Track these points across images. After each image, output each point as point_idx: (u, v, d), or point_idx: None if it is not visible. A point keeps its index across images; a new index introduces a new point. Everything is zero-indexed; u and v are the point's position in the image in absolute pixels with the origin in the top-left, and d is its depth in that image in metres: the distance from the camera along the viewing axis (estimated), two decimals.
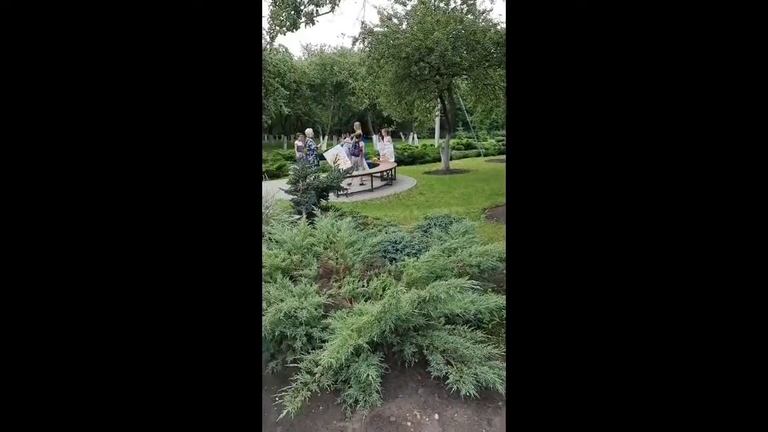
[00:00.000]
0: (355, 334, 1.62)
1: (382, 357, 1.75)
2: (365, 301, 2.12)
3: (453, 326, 1.90)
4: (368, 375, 1.52)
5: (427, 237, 3.11)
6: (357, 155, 8.91)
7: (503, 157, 13.97)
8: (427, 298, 1.67)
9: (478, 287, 1.83)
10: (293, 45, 56.12)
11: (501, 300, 1.89)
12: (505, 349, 1.74)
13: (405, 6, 9.33)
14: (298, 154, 9.19)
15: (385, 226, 3.98)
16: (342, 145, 9.48)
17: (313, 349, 1.81)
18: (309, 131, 9.17)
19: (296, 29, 4.99)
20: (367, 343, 1.62)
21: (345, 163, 8.56)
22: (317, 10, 5.09)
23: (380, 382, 1.60)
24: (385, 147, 9.96)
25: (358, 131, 9.33)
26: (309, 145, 8.57)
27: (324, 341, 1.79)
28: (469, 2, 9.09)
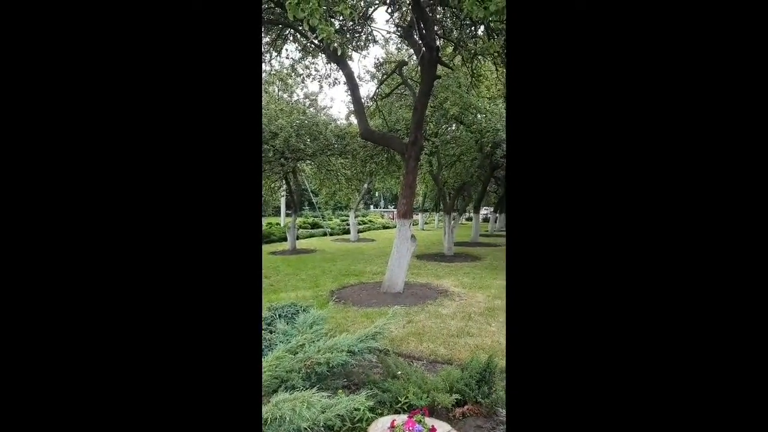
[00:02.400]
0: None
1: None
2: None
3: None
4: None
5: (271, 332, 2.81)
6: None
7: (348, 236, 14.73)
8: (269, 420, 1.41)
9: (328, 394, 1.68)
10: None
11: (353, 401, 1.76)
12: None
13: None
14: None
15: None
16: None
17: None
18: None
19: None
20: None
21: None
22: None
23: None
24: None
25: None
26: None
27: None
28: (312, 97, 10.01)
